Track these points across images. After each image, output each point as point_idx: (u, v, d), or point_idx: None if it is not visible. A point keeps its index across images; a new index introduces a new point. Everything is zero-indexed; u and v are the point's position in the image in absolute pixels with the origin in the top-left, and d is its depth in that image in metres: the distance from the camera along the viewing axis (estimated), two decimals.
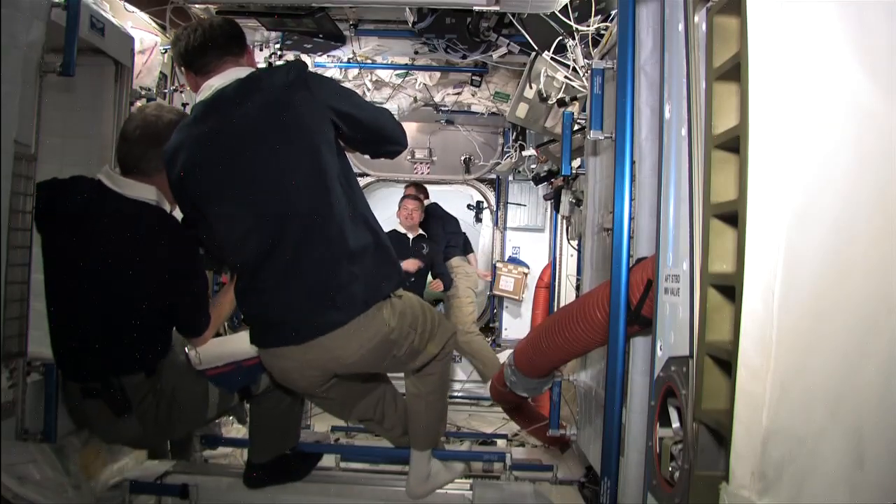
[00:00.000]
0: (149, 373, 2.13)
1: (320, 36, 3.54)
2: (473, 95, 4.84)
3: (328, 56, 4.03)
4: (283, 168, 1.85)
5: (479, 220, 6.48)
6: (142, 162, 2.08)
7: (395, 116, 2.12)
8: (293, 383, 2.18)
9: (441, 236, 5.28)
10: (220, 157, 1.87)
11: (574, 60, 2.89)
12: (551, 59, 3.02)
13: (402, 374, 2.42)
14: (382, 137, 2.06)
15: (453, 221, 5.50)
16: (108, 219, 2.03)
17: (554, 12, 2.74)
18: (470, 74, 4.54)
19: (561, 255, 4.74)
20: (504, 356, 5.44)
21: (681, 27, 1.43)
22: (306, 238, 1.87)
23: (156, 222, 2.07)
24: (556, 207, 3.78)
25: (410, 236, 5.05)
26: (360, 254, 1.92)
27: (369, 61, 4.25)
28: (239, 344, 2.20)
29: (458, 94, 4.88)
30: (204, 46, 1.96)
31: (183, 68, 2.04)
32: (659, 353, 1.48)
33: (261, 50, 3.70)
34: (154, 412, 2.15)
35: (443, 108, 5.06)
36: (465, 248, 5.55)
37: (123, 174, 2.11)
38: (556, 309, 4.79)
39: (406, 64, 4.43)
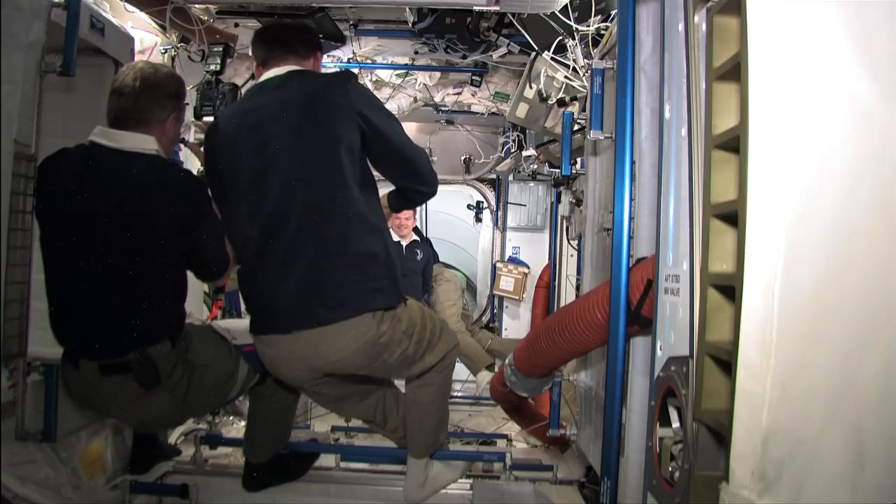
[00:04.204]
0: (173, 340, 2.01)
1: (320, 36, 3.54)
2: (473, 95, 4.83)
3: (328, 56, 4.03)
4: (299, 156, 1.92)
5: (479, 220, 6.48)
6: (143, 113, 1.97)
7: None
8: (282, 375, 2.19)
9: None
10: (246, 133, 1.97)
11: (574, 60, 2.89)
12: (551, 59, 3.02)
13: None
14: (412, 171, 2.11)
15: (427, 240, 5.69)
16: (111, 177, 1.90)
17: (554, 12, 2.73)
18: (470, 74, 4.53)
19: (561, 255, 4.74)
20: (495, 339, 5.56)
21: (681, 27, 1.43)
22: (307, 230, 1.91)
23: (161, 169, 1.96)
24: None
25: (404, 243, 5.23)
26: (361, 259, 1.94)
27: (369, 61, 4.24)
28: None
29: (458, 94, 4.87)
30: (273, 43, 2.09)
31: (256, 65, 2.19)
32: (659, 353, 1.48)
33: None
34: (185, 385, 2.05)
35: (443, 108, 5.05)
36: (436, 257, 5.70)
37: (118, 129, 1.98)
38: (555, 309, 4.79)
39: (406, 64, 4.42)
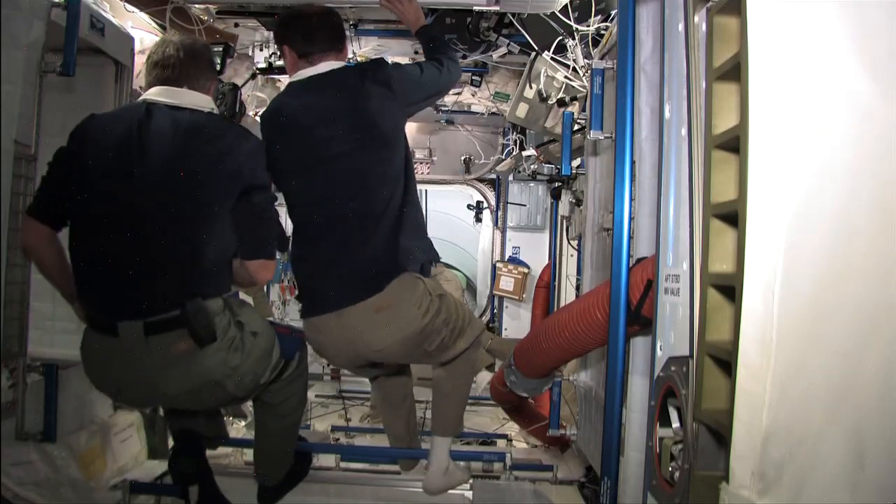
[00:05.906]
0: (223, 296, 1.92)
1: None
2: (473, 95, 4.82)
3: None
4: (351, 150, 2.04)
5: (479, 220, 6.48)
6: (191, 77, 1.96)
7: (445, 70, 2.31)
8: (328, 358, 2.33)
9: None
10: (300, 131, 2.07)
11: (574, 60, 2.89)
12: (551, 59, 3.02)
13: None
14: (447, 87, 2.38)
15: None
16: (171, 126, 1.85)
17: (554, 12, 2.74)
18: (470, 74, 4.53)
19: (561, 255, 4.74)
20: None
21: (681, 27, 1.43)
22: (358, 221, 2.05)
23: (219, 121, 1.96)
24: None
25: None
26: (405, 247, 2.09)
27: None
28: None
29: (458, 94, 4.86)
30: (316, 35, 2.14)
31: (284, 47, 2.19)
32: (659, 353, 1.48)
33: (261, 50, 3.69)
34: (239, 345, 1.91)
35: (443, 108, 5.05)
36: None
37: None
38: (555, 309, 4.79)
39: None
